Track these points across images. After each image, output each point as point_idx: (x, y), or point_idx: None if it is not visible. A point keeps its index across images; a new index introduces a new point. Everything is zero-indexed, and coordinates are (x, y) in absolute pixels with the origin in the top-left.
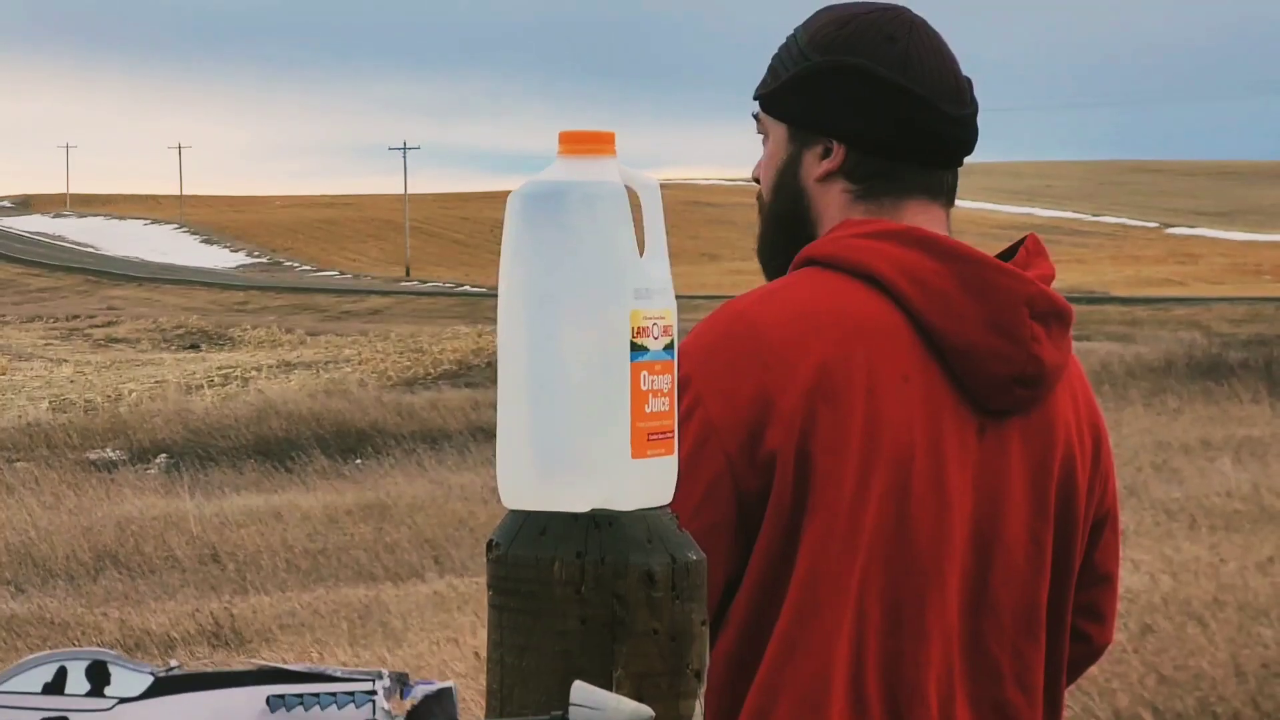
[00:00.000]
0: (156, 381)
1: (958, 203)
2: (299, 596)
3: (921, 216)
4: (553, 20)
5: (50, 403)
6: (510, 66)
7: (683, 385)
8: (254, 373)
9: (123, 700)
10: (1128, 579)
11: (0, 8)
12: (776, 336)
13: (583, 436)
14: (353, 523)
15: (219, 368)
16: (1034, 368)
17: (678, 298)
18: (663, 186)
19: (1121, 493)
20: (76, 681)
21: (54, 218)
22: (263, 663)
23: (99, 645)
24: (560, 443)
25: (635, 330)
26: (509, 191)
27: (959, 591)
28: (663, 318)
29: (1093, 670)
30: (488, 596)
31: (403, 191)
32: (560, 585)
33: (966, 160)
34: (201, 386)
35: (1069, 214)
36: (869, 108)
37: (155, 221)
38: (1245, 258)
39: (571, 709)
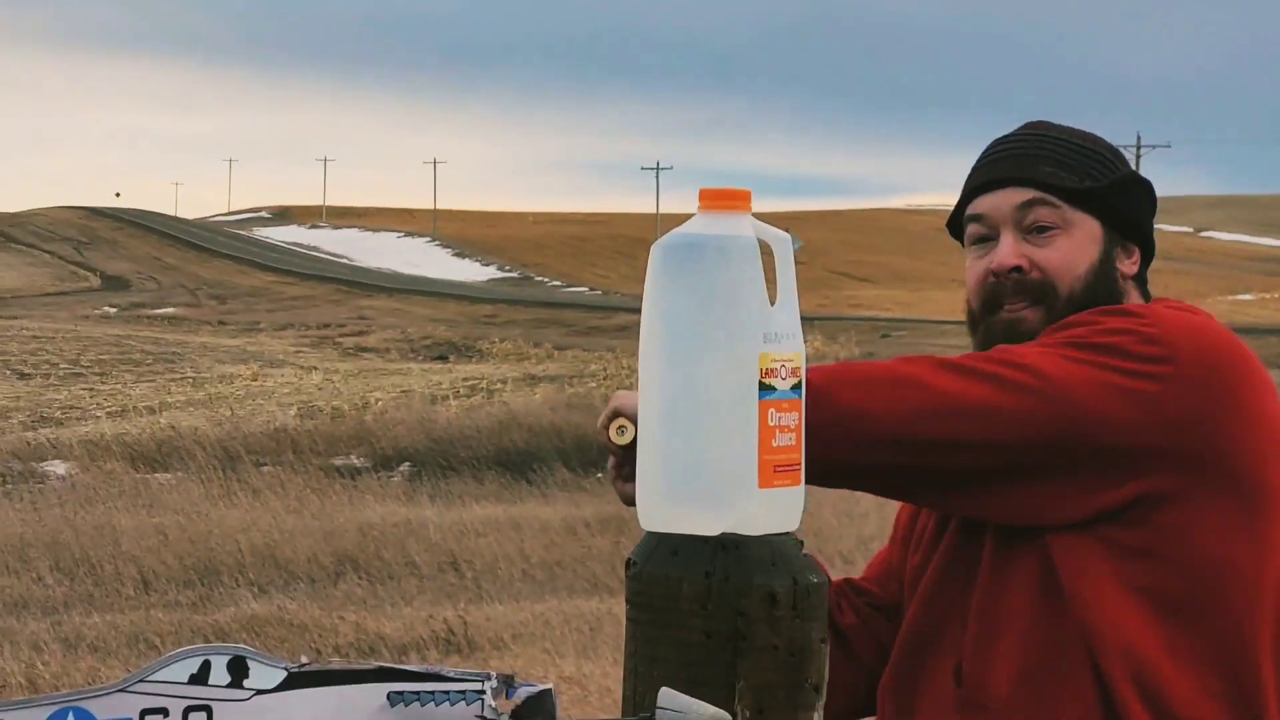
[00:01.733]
0: (403, 391)
1: (1212, 234)
2: (532, 606)
3: None
4: (807, 43)
5: (298, 409)
6: (764, 87)
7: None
8: (499, 385)
9: (259, 692)
10: None
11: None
12: None
13: (713, 467)
14: (590, 535)
15: (465, 379)
16: None
17: (925, 322)
18: (914, 211)
19: None
20: (219, 674)
21: (310, 229)
22: (383, 663)
23: (335, 648)
24: (692, 472)
25: (764, 371)
26: (760, 212)
27: None
28: (791, 360)
29: None
30: (625, 610)
31: (654, 210)
32: (687, 601)
33: (1215, 191)
34: (447, 397)
35: None
36: (1152, 223)
37: (408, 234)
38: None
39: (658, 711)
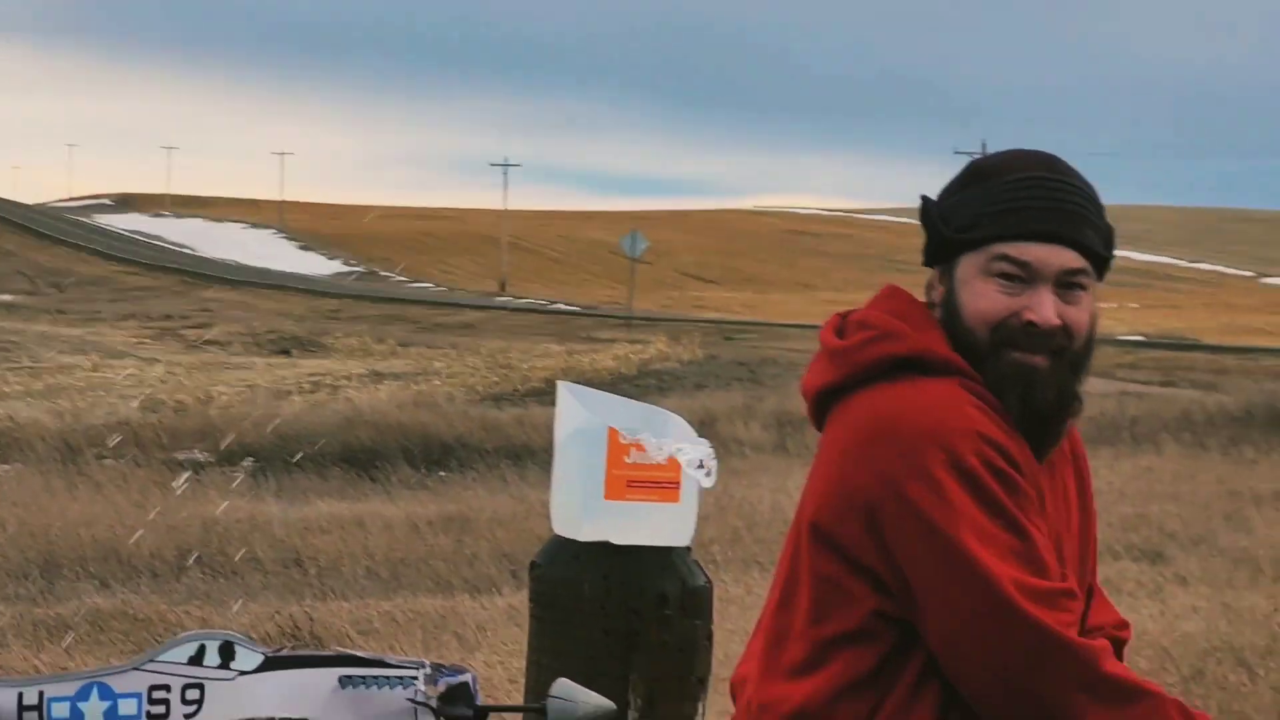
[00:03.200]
0: (247, 385)
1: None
2: (377, 604)
3: None
4: (659, 45)
5: (140, 401)
6: (614, 89)
7: None
8: (344, 381)
9: (242, 673)
10: (1185, 624)
11: (110, 7)
12: None
13: (569, 480)
14: (434, 534)
15: (309, 374)
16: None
17: (770, 325)
18: (761, 213)
19: (1190, 540)
20: (212, 656)
21: (153, 217)
22: (342, 650)
23: None
24: (565, 487)
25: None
26: (608, 212)
27: None
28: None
29: None
30: (529, 608)
31: (502, 207)
32: (588, 602)
33: None
34: (291, 392)
35: (1165, 259)
36: None
37: (254, 226)
38: None
39: (550, 700)
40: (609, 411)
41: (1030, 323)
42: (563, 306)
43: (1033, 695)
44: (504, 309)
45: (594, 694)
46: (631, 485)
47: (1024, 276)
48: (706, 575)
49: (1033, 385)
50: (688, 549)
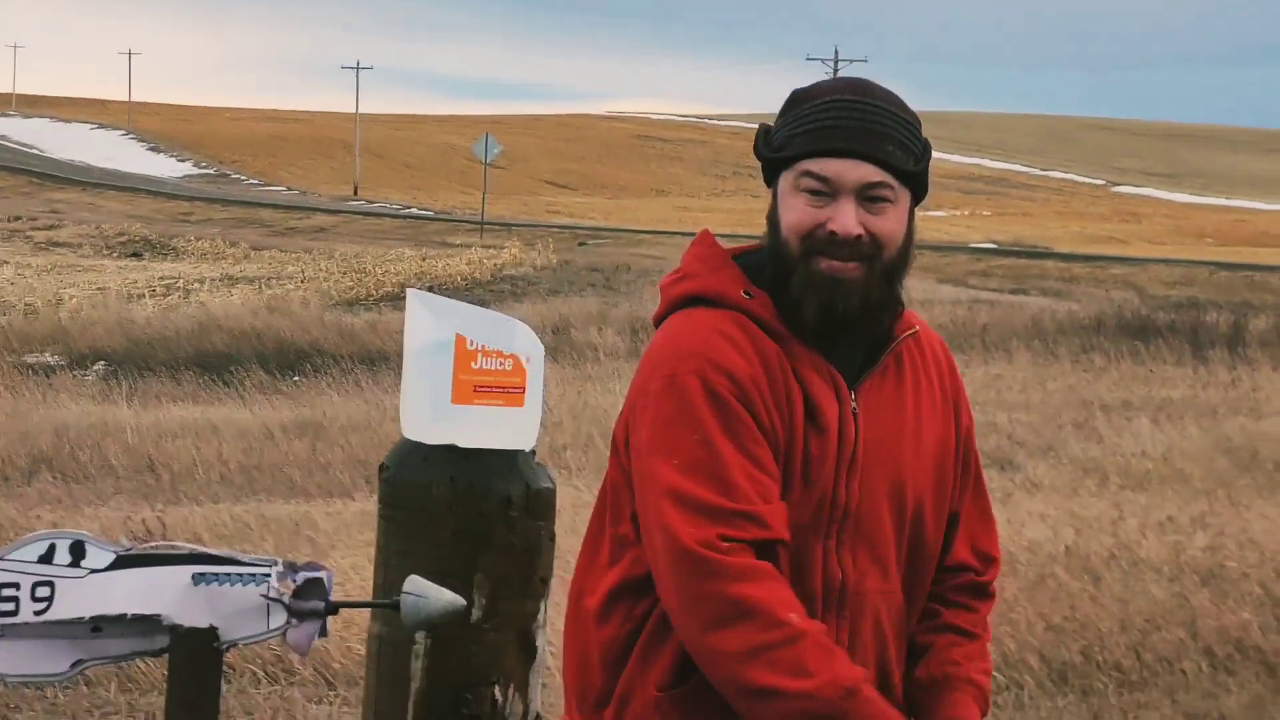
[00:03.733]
0: (98, 288)
1: None
2: (230, 509)
3: None
4: None
5: None
6: None
7: None
8: (196, 285)
9: (93, 571)
10: (1031, 531)
11: None
12: None
13: (418, 386)
14: (287, 439)
15: (161, 278)
16: None
17: (624, 231)
18: (615, 119)
19: (1039, 447)
20: (62, 555)
21: None
22: (195, 548)
23: None
24: (414, 392)
25: None
26: (461, 116)
27: None
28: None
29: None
30: (378, 509)
31: (354, 110)
32: (436, 503)
33: (921, 108)
34: (143, 296)
35: (1018, 167)
36: None
37: (102, 126)
38: (1189, 219)
39: (403, 596)
40: (457, 318)
41: (833, 233)
42: (416, 211)
43: (668, 598)
44: (358, 213)
45: (445, 590)
46: (478, 390)
47: (827, 191)
48: (551, 478)
49: (835, 292)
50: (532, 452)
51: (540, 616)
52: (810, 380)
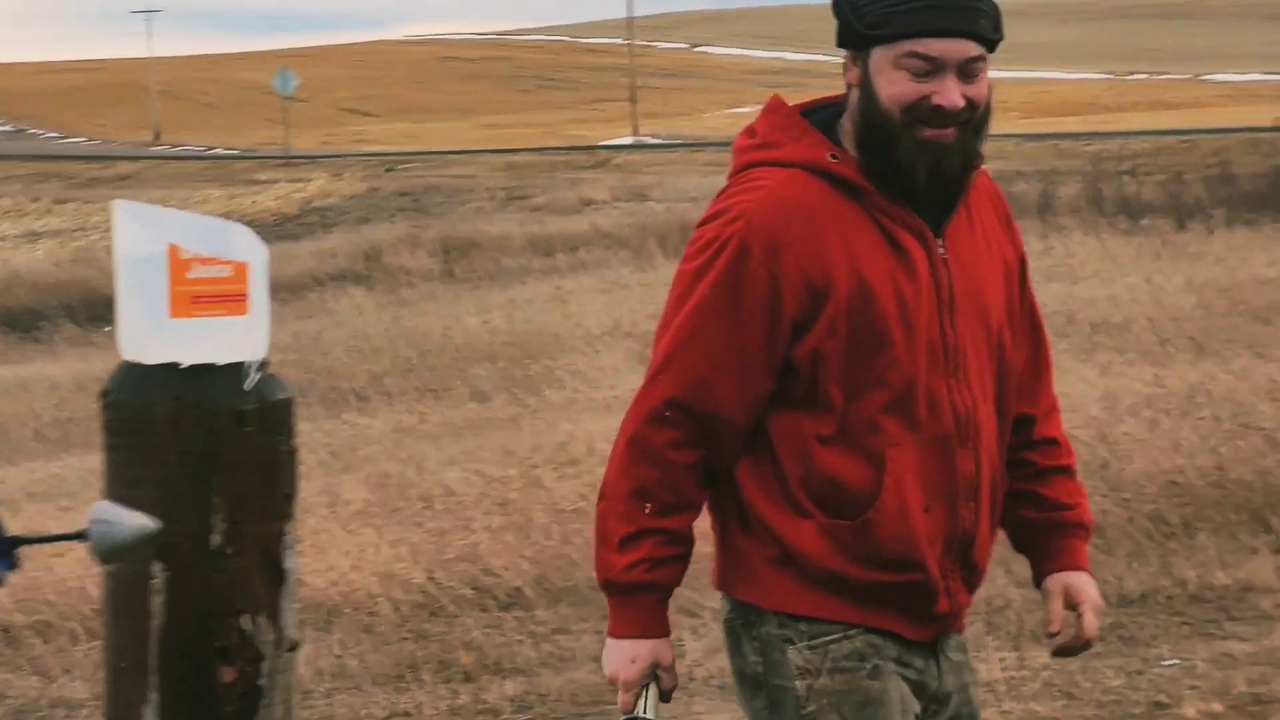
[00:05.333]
0: None
1: (709, 49)
2: (46, 466)
3: None
4: None
5: None
6: None
7: None
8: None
9: None
10: None
11: None
12: None
13: (132, 302)
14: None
15: None
16: None
17: (431, 154)
18: (414, 42)
19: None
20: None
21: None
22: None
23: None
24: (129, 310)
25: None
26: (258, 52)
27: None
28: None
29: None
30: (102, 439)
31: (147, 55)
32: (160, 424)
33: (711, 6)
34: None
35: (819, 57)
36: None
37: None
38: (994, 94)
39: (91, 526)
40: (168, 227)
41: (939, 106)
42: (221, 152)
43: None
44: (161, 158)
45: (137, 514)
46: (197, 301)
47: (931, 69)
48: (286, 389)
49: (941, 158)
50: (265, 362)
51: (288, 537)
52: (897, 231)
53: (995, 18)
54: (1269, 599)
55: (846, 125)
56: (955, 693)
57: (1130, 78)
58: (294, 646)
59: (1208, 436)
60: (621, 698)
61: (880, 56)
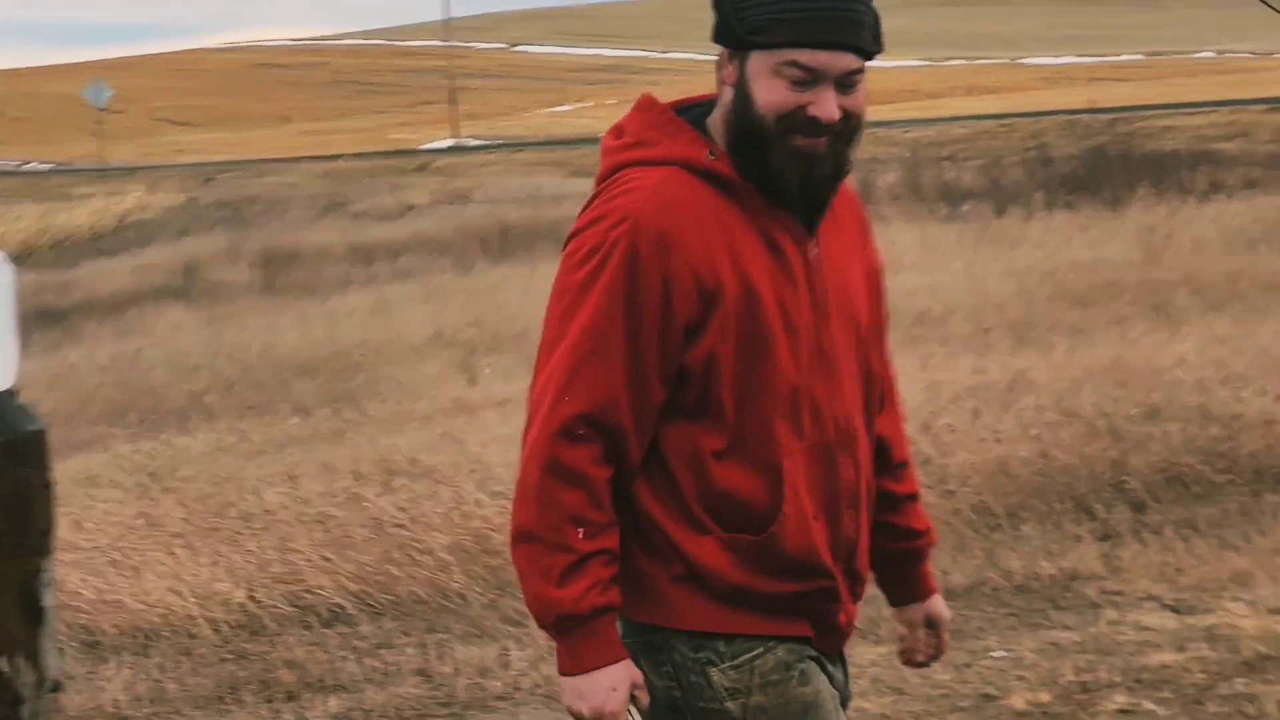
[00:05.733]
0: None
1: (527, 49)
2: None
3: None
4: None
5: None
6: None
7: None
8: None
9: None
10: None
11: None
12: None
13: None
14: None
15: None
16: None
17: (250, 163)
18: (230, 50)
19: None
20: None
21: None
22: None
23: None
24: None
25: None
26: (71, 64)
27: None
28: None
29: None
30: None
31: None
32: None
33: (529, 5)
34: None
35: (638, 52)
36: None
37: None
38: None
39: None
40: None
41: (815, 118)
42: (36, 166)
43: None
44: None
45: None
46: None
47: (810, 79)
48: (38, 420)
49: (812, 166)
50: (11, 393)
51: (45, 574)
52: (774, 232)
53: (876, 29)
54: (1094, 586)
55: (718, 123)
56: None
57: (947, 63)
58: (56, 687)
59: (1030, 425)
60: None
61: (759, 62)
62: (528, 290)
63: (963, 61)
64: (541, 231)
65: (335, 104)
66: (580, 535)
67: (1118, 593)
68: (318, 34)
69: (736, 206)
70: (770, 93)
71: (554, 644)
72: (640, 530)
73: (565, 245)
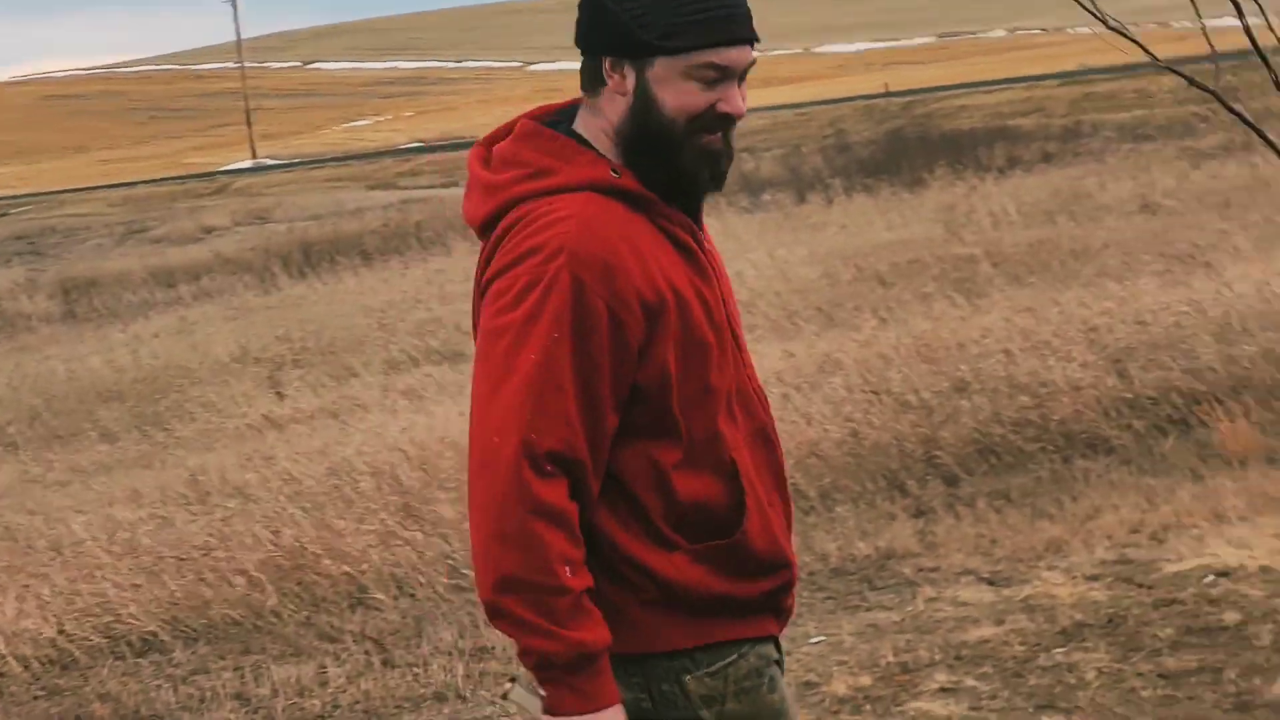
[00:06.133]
0: None
1: (321, 66)
2: None
3: None
4: None
5: None
6: None
7: None
8: None
9: None
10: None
11: None
12: None
13: None
14: None
15: None
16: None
17: (45, 195)
18: (20, 83)
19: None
20: None
21: None
22: None
23: None
24: None
25: None
26: None
27: None
28: None
29: None
30: None
31: None
32: None
33: (320, 23)
34: None
35: (433, 63)
36: None
37: None
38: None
39: None
40: None
41: (726, 114)
42: None
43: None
44: None
45: None
46: None
47: (720, 77)
48: None
49: (718, 161)
50: None
51: None
52: (681, 236)
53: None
54: (910, 564)
55: (602, 135)
56: None
57: None
58: None
59: (840, 405)
60: None
61: (667, 67)
62: (332, 303)
63: (757, 54)
64: (343, 246)
65: (131, 131)
66: (568, 573)
67: (934, 569)
68: (108, 62)
69: (643, 217)
70: (683, 96)
71: (546, 686)
72: (605, 561)
73: (484, 289)
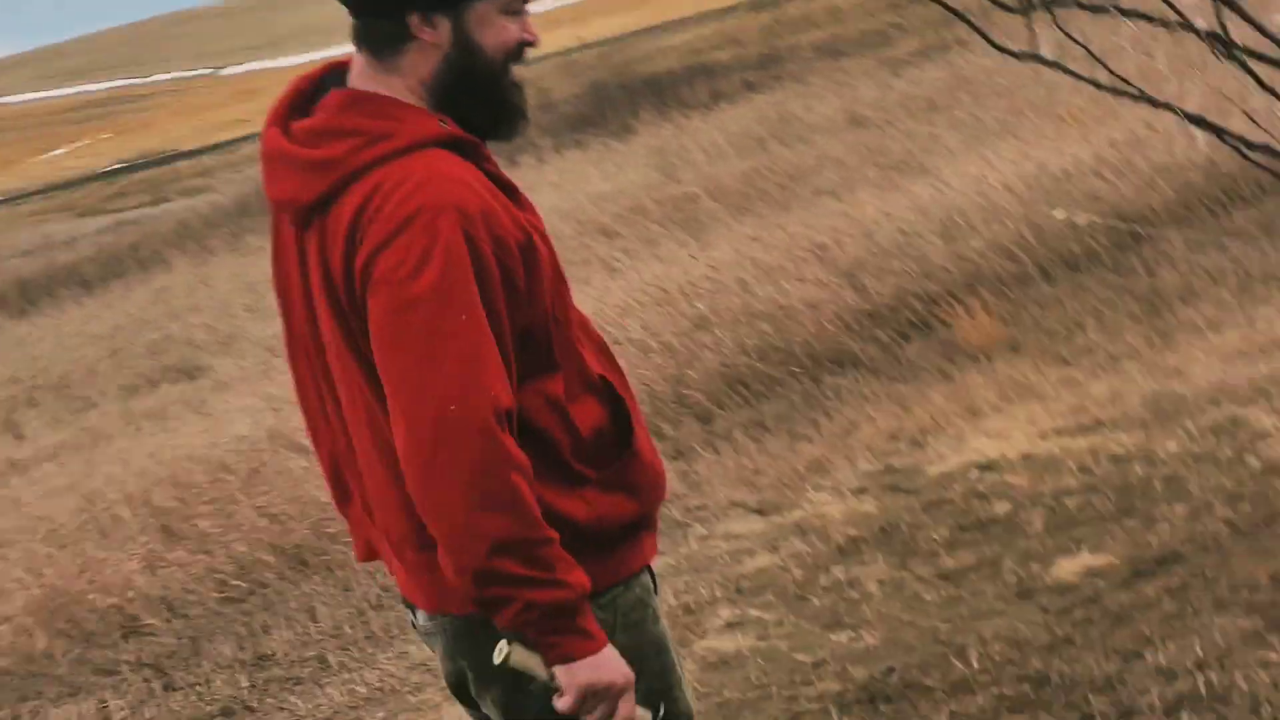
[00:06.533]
0: None
1: (8, 99)
2: None
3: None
4: None
5: None
6: None
7: None
8: None
9: None
10: (236, 427)
11: None
12: None
13: None
14: None
15: None
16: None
17: None
18: None
19: (220, 343)
20: None
21: None
22: None
23: None
24: None
25: None
26: None
27: None
28: None
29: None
30: None
31: None
32: None
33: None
34: None
35: (122, 82)
36: None
37: None
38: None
39: None
40: None
41: (530, 42)
42: None
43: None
44: None
45: None
46: None
47: (522, 10)
48: None
49: (522, 89)
50: None
51: None
52: (505, 178)
53: None
54: (678, 506)
55: (406, 94)
56: None
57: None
58: None
59: None
60: (626, 707)
61: (485, 9)
62: (59, 337)
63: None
64: (61, 278)
65: None
66: (544, 522)
67: (701, 507)
68: None
69: (472, 163)
70: (503, 33)
71: (553, 637)
72: None
73: (364, 267)
